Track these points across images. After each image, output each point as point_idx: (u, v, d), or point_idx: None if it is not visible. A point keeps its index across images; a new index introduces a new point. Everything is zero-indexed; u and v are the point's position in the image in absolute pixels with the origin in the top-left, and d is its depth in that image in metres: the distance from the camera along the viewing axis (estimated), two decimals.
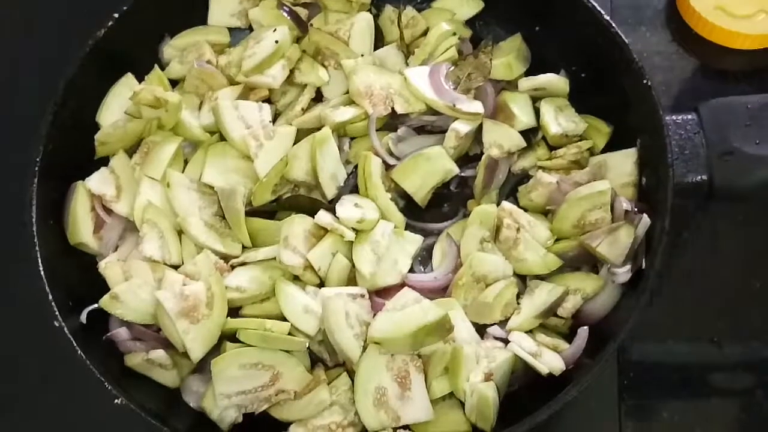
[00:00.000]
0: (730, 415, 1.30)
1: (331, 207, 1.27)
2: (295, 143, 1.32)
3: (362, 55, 1.40)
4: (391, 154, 1.34)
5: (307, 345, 1.20)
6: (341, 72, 1.39)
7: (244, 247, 1.29)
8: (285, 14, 1.41)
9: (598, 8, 1.30)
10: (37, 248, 1.18)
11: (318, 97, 1.42)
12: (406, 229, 1.31)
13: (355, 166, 1.34)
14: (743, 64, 1.55)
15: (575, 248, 1.23)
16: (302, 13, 1.44)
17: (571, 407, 1.21)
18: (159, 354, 1.19)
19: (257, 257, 1.25)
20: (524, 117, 1.34)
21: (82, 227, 1.27)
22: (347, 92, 1.37)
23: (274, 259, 1.24)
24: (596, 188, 1.23)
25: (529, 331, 1.21)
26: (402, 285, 1.25)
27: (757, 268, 1.39)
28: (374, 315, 1.20)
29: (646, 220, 1.19)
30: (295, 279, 1.25)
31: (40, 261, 1.17)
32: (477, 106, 1.33)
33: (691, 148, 1.20)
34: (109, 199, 1.28)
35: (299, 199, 1.29)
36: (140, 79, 1.39)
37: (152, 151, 1.30)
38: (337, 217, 1.25)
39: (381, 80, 1.35)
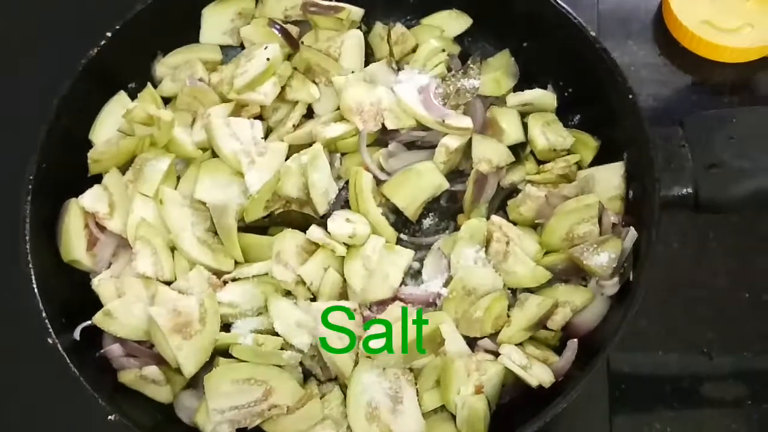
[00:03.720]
0: (721, 425, 1.31)
1: (322, 222, 1.28)
2: (286, 159, 1.33)
3: (353, 72, 1.41)
4: (381, 169, 1.36)
5: (300, 359, 1.21)
6: (332, 88, 1.40)
7: (236, 263, 1.29)
8: (276, 32, 1.42)
9: (585, 24, 1.31)
10: (30, 265, 1.18)
11: (309, 114, 1.43)
12: (397, 243, 1.32)
13: (346, 182, 1.35)
14: (729, 77, 1.57)
15: (564, 261, 1.24)
16: (293, 30, 1.45)
17: (563, 419, 1.22)
18: (152, 370, 1.19)
19: (250, 273, 1.26)
20: (513, 132, 1.35)
21: (75, 244, 1.27)
22: (338, 108, 1.39)
23: (267, 274, 1.25)
24: (584, 202, 1.24)
25: (520, 344, 1.21)
26: (393, 299, 1.26)
27: (745, 279, 1.40)
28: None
29: (633, 232, 1.20)
30: (288, 294, 1.26)
31: (33, 278, 1.17)
32: (466, 122, 1.34)
33: (677, 162, 1.21)
34: (102, 216, 1.29)
35: (291, 215, 1.30)
36: (133, 96, 1.41)
37: (145, 168, 1.31)
38: (329, 233, 1.25)
39: (371, 96, 1.37)
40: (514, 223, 1.30)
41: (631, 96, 1.23)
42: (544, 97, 1.38)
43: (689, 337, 1.36)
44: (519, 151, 1.36)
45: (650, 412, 1.32)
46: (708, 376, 1.34)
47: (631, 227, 1.21)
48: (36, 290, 1.17)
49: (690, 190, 1.19)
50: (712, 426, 1.31)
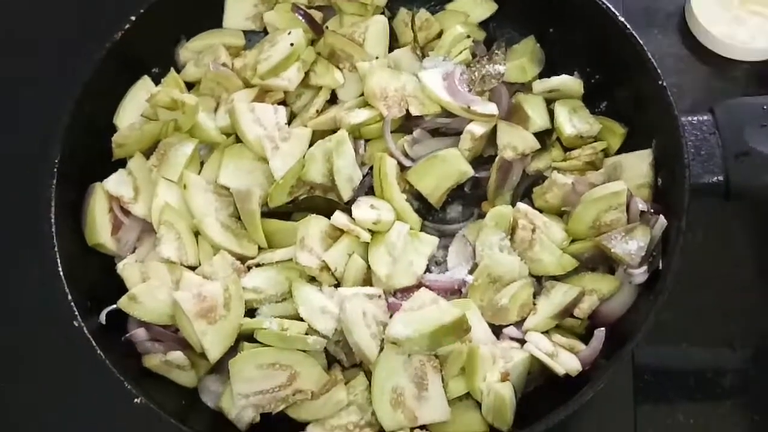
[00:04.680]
0: (745, 417, 1.30)
1: (347, 208, 1.27)
2: (309, 145, 1.33)
3: (377, 58, 1.40)
4: (406, 155, 1.35)
5: (324, 345, 1.20)
6: (356, 74, 1.39)
7: (260, 248, 1.29)
8: (300, 17, 1.42)
9: (613, 9, 1.30)
10: (56, 249, 1.19)
11: (332, 99, 1.42)
12: (421, 230, 1.31)
13: (371, 168, 1.34)
14: (756, 66, 1.55)
15: (591, 249, 1.23)
16: (317, 15, 1.45)
17: (587, 409, 1.21)
18: (177, 356, 1.19)
19: (274, 258, 1.26)
20: (538, 119, 1.34)
21: (100, 228, 1.27)
22: (362, 94, 1.38)
23: (291, 260, 1.25)
24: (611, 189, 1.23)
25: (546, 332, 1.21)
26: (418, 285, 1.25)
27: None
28: (391, 315, 1.20)
29: (662, 221, 1.19)
30: (312, 280, 1.25)
31: (59, 261, 1.18)
32: (491, 108, 1.33)
33: (707, 149, 1.20)
34: (127, 200, 1.29)
35: (315, 201, 1.30)
36: (156, 81, 1.41)
37: (169, 153, 1.31)
38: (353, 219, 1.25)
39: (396, 82, 1.36)
40: (540, 211, 1.29)
41: (660, 82, 1.21)
42: (570, 83, 1.37)
43: (713, 329, 1.36)
44: (545, 138, 1.35)
45: (674, 403, 1.31)
46: (732, 368, 1.33)
47: (660, 215, 1.19)
48: (62, 274, 1.17)
49: (720, 178, 1.18)
50: (735, 418, 1.30)
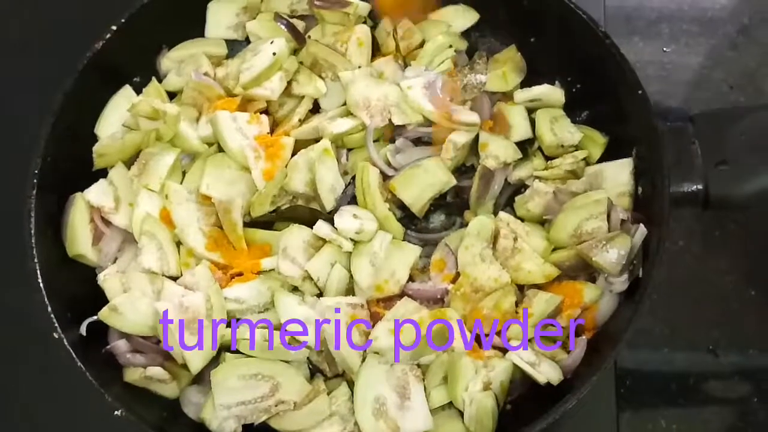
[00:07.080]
0: (727, 423, 1.31)
1: (329, 218, 1.27)
2: (292, 155, 1.32)
3: (359, 67, 1.40)
4: (389, 165, 1.35)
5: (307, 355, 1.20)
6: (338, 83, 1.40)
7: None
8: (282, 27, 1.42)
9: (593, 19, 1.31)
10: (35, 260, 1.18)
11: (315, 109, 1.42)
12: (404, 239, 1.31)
13: (353, 177, 1.34)
14: (736, 75, 1.56)
15: (572, 258, 1.23)
16: (299, 25, 1.45)
17: (570, 416, 1.20)
18: (156, 371, 1.18)
19: None
20: (520, 128, 1.35)
21: (80, 239, 1.27)
22: (344, 104, 1.38)
23: (273, 270, 1.25)
24: (592, 198, 1.24)
25: (528, 341, 1.21)
26: (401, 295, 1.25)
27: (752, 276, 1.40)
28: (373, 325, 1.20)
29: (642, 229, 1.20)
30: (294, 290, 1.25)
31: (38, 273, 1.17)
32: (473, 117, 1.34)
33: (687, 158, 1.21)
34: (108, 210, 1.28)
35: (298, 210, 1.30)
36: (138, 91, 1.40)
37: (150, 163, 1.30)
38: (336, 228, 1.25)
39: (378, 92, 1.36)
40: (522, 220, 1.30)
41: (640, 92, 1.22)
42: (551, 92, 1.37)
43: (695, 335, 1.37)
44: (527, 147, 1.36)
45: (656, 409, 1.32)
46: (713, 373, 1.34)
47: (641, 224, 1.20)
48: (41, 285, 1.17)
49: (700, 187, 1.19)
50: (717, 423, 1.31)
